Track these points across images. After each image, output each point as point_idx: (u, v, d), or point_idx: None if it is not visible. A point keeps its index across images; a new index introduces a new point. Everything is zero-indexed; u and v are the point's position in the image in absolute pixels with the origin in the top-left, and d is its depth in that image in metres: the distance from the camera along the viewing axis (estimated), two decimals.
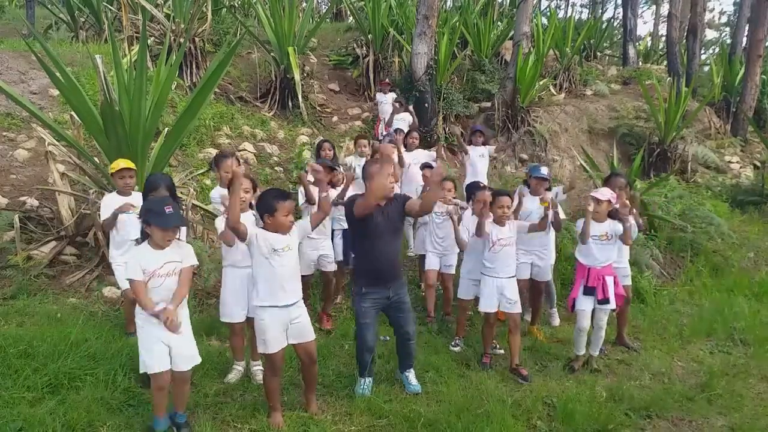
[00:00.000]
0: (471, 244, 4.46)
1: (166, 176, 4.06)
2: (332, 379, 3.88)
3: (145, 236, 2.99)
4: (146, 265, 2.91)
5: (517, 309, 4.22)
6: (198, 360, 3.11)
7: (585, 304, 4.20)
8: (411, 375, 3.85)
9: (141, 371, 3.03)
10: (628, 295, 4.80)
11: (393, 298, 3.65)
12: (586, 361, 4.37)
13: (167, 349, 2.97)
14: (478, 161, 6.67)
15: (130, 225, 3.94)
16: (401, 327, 3.76)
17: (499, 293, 4.22)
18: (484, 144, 6.89)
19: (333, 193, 4.74)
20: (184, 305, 3.11)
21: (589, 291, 4.18)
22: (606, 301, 4.18)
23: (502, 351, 4.57)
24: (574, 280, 4.35)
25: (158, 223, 2.89)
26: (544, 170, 4.87)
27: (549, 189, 4.96)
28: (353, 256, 3.92)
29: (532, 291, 4.99)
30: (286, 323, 3.20)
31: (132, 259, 2.95)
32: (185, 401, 3.15)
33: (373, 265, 3.61)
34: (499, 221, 4.25)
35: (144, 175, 4.82)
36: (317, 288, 5.25)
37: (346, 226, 4.97)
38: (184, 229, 3.62)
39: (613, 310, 4.36)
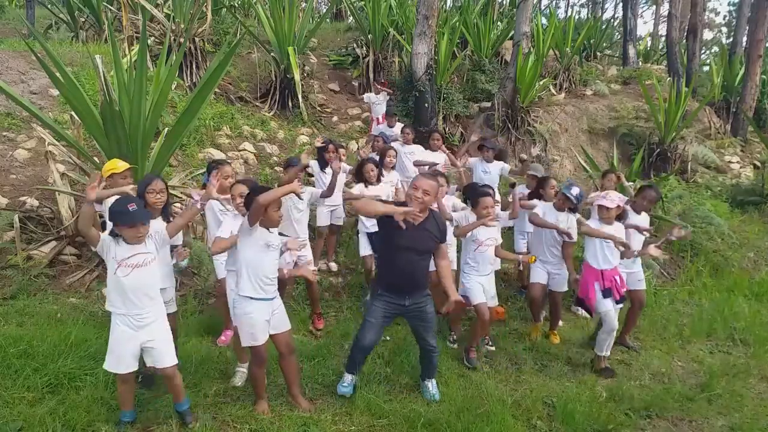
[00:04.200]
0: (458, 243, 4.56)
1: (159, 176, 4.08)
2: (332, 379, 3.87)
3: (115, 234, 3.01)
4: (116, 253, 2.96)
5: (494, 303, 4.50)
6: (174, 361, 3.12)
7: (608, 305, 4.21)
8: (431, 384, 3.78)
9: (104, 367, 3.04)
10: (642, 299, 4.81)
11: (410, 307, 3.58)
12: (591, 360, 4.39)
13: (137, 351, 3.03)
14: (484, 178, 6.25)
15: None
16: (420, 336, 3.71)
17: (483, 289, 4.33)
18: (497, 159, 6.35)
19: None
20: (159, 302, 3.14)
21: (607, 293, 4.21)
22: (622, 300, 4.27)
23: (493, 348, 4.59)
24: (583, 280, 4.36)
25: (123, 221, 2.93)
26: (575, 190, 4.61)
27: (574, 210, 4.75)
28: (377, 257, 3.94)
29: (551, 301, 4.99)
30: (269, 315, 3.31)
31: (105, 236, 2.98)
32: (181, 393, 3.17)
33: (391, 275, 3.57)
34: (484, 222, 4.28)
35: (143, 177, 4.81)
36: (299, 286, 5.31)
37: (370, 229, 5.06)
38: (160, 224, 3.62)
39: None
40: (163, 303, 3.20)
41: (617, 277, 4.27)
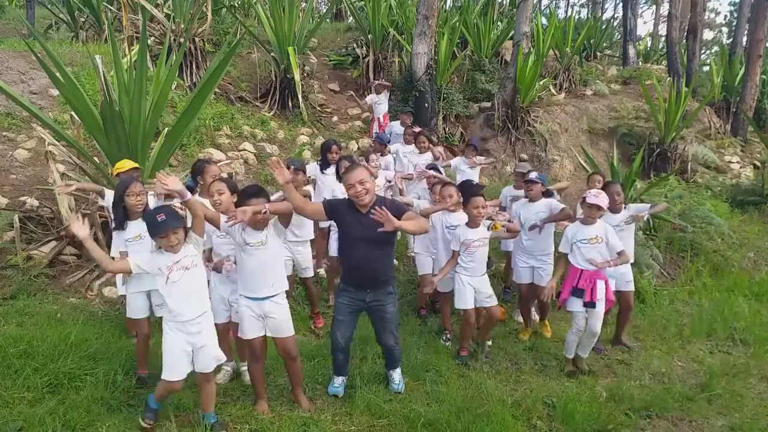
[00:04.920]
0: (445, 242, 4.56)
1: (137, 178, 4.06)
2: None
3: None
4: (162, 263, 3.00)
5: (494, 302, 4.36)
6: (223, 358, 3.19)
7: (576, 306, 4.19)
8: (395, 374, 3.82)
9: (162, 377, 3.04)
10: (629, 301, 4.77)
11: (371, 303, 3.57)
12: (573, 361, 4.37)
13: (190, 356, 3.06)
14: (471, 172, 6.43)
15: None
16: (378, 336, 3.73)
17: (475, 291, 4.31)
18: (479, 155, 6.70)
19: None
20: (208, 305, 3.15)
21: (578, 293, 4.16)
22: (592, 304, 4.13)
23: (489, 342, 4.59)
24: (565, 279, 4.34)
25: (155, 232, 2.97)
26: (533, 174, 4.83)
27: (548, 193, 4.88)
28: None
29: (538, 298, 4.93)
30: (261, 314, 3.32)
31: (143, 254, 3.07)
32: (212, 401, 3.19)
33: (349, 267, 3.59)
34: (474, 222, 4.30)
35: (145, 176, 4.82)
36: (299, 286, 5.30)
37: None
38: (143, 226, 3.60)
39: (606, 313, 4.34)
40: (210, 306, 3.19)
41: (601, 282, 4.16)
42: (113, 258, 3.71)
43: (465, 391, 3.77)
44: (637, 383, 4.14)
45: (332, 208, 3.51)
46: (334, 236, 5.21)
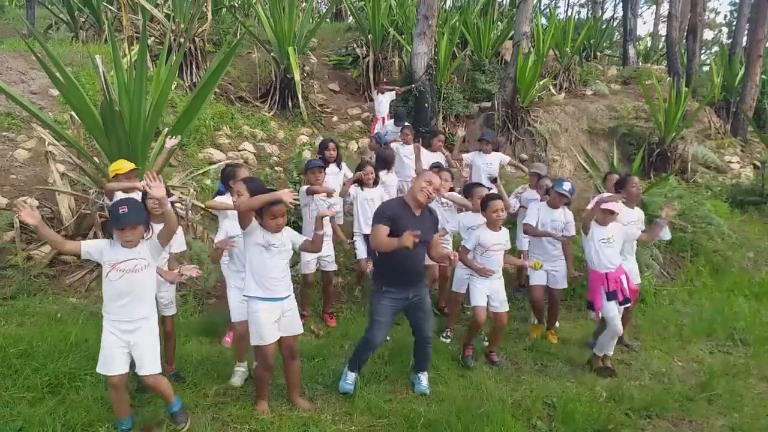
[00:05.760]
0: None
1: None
2: (332, 379, 3.87)
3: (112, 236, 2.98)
4: (110, 257, 2.90)
5: (505, 308, 4.33)
6: (154, 370, 3.00)
7: (613, 309, 4.19)
8: (423, 377, 3.84)
9: (97, 371, 2.97)
10: (635, 294, 4.80)
11: (413, 299, 3.65)
12: (601, 360, 4.38)
13: (127, 355, 2.96)
14: (486, 168, 6.37)
15: None
16: (419, 328, 3.75)
17: (488, 293, 4.29)
18: (495, 151, 6.57)
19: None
20: (151, 309, 3.05)
21: (611, 296, 4.19)
22: (627, 300, 4.24)
23: (486, 339, 4.60)
24: (590, 285, 4.34)
25: (113, 223, 2.89)
26: (567, 185, 4.69)
27: (569, 204, 4.88)
28: (376, 254, 3.84)
29: (549, 300, 4.97)
30: (278, 315, 3.30)
31: (98, 241, 3.00)
32: (169, 394, 3.07)
33: (397, 267, 3.56)
34: (493, 226, 4.26)
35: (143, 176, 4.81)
36: (317, 287, 5.24)
37: (365, 231, 5.05)
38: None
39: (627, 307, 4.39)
40: (155, 310, 3.10)
41: (623, 277, 4.24)
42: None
43: (465, 391, 3.78)
44: (637, 383, 4.14)
45: (393, 221, 3.51)
46: (360, 241, 5.18)
